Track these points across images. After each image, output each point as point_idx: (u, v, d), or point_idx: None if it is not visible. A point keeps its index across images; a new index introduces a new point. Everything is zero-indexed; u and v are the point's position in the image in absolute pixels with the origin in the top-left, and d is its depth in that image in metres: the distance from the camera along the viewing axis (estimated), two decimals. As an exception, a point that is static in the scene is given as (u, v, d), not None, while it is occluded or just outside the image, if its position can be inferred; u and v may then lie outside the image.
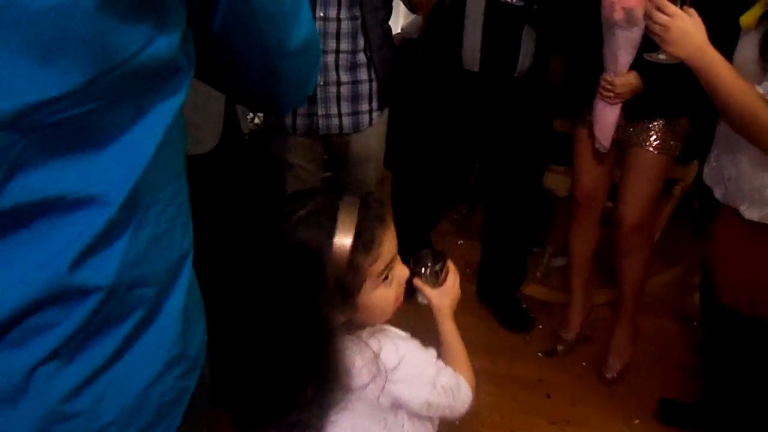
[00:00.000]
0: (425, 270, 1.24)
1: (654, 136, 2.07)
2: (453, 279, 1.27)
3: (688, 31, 1.49)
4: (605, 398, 2.31)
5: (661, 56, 1.62)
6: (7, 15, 0.53)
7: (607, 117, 2.07)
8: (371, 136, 2.19)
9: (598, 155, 2.21)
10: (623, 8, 1.83)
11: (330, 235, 1.00)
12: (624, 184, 2.18)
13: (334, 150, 2.21)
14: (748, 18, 1.57)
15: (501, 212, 2.63)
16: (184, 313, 0.76)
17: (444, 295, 1.26)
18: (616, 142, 2.14)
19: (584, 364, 2.47)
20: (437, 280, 1.26)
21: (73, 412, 0.66)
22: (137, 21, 0.60)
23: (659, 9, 1.50)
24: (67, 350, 0.64)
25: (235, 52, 0.78)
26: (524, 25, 2.21)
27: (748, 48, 1.55)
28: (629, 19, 1.83)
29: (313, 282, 1.00)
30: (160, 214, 0.71)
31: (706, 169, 1.76)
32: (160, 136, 0.68)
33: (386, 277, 1.07)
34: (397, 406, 1.10)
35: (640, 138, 2.08)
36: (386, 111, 2.22)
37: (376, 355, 1.05)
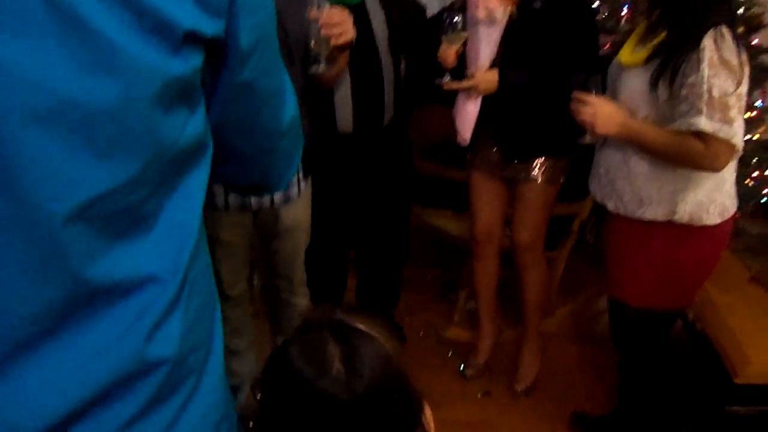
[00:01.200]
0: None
1: (537, 171, 2.32)
2: None
3: (611, 113, 1.79)
4: (545, 425, 2.45)
5: (588, 138, 1.91)
6: (70, 116, 0.56)
7: (467, 109, 2.27)
8: (299, 205, 2.23)
9: (492, 196, 2.45)
10: (486, 8, 2.10)
11: None
12: (516, 212, 2.44)
13: (265, 223, 2.21)
14: (633, 58, 1.82)
15: (373, 254, 2.78)
16: (223, 372, 0.80)
17: None
18: (506, 179, 2.39)
19: (523, 399, 2.61)
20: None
21: None
22: (178, 109, 0.65)
23: (582, 102, 1.80)
24: (135, 421, 0.66)
25: (235, 135, 0.80)
26: (383, 78, 2.35)
27: (634, 83, 1.81)
28: (491, 17, 2.10)
29: None
30: (201, 283, 0.75)
31: (594, 188, 2.00)
32: (200, 210, 0.72)
33: None
34: None
35: (527, 173, 2.33)
36: (310, 178, 2.27)
37: None
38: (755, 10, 2.63)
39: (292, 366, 0.92)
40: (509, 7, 2.12)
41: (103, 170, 0.59)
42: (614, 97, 1.89)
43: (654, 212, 1.83)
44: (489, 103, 2.24)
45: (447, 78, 2.18)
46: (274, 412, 0.96)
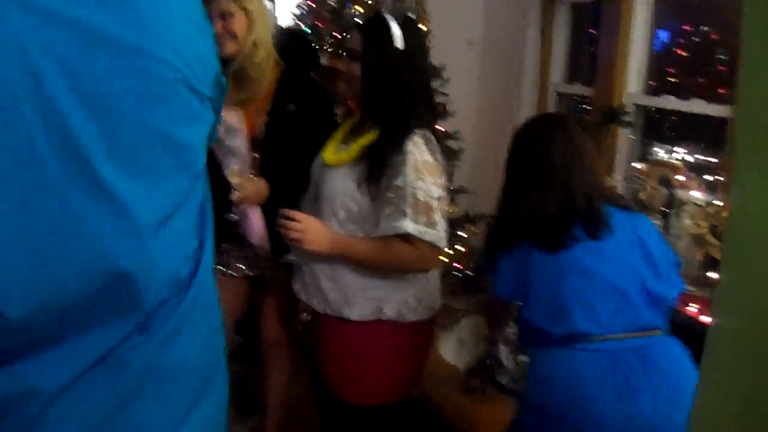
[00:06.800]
0: None
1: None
2: None
3: (319, 229, 1.75)
4: None
5: (291, 257, 1.90)
6: None
7: (252, 221, 2.13)
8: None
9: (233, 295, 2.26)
10: (222, 123, 1.92)
11: None
12: (264, 308, 2.35)
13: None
14: (338, 157, 1.81)
15: None
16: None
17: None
18: (251, 277, 2.26)
19: None
20: None
21: None
22: None
23: (289, 219, 1.73)
24: None
25: None
26: None
27: (338, 182, 1.78)
28: (228, 129, 2.05)
29: None
30: None
31: (298, 287, 1.94)
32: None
33: None
34: None
35: (275, 269, 2.20)
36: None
37: None
38: (440, 99, 2.89)
39: None
40: (245, 116, 2.09)
41: None
42: (316, 195, 1.85)
43: (361, 312, 1.79)
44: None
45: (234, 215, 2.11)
46: None
